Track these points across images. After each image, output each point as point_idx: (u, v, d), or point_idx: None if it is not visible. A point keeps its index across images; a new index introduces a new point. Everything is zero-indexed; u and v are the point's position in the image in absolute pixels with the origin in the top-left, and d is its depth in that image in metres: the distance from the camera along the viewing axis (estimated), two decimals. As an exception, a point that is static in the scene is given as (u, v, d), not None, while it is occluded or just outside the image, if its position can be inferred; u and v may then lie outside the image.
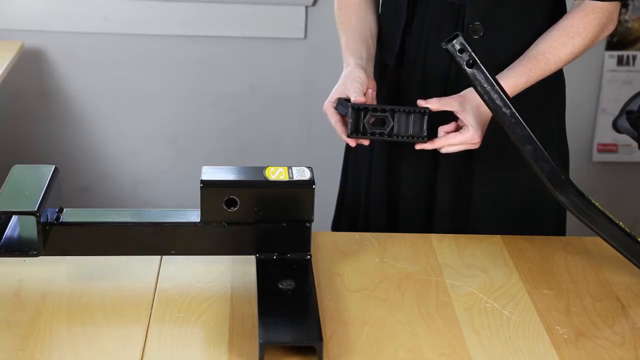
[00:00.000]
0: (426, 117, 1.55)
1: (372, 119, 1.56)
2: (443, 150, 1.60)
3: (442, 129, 1.60)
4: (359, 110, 1.55)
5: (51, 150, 2.97)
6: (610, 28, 1.67)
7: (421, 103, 1.57)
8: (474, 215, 1.80)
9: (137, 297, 1.42)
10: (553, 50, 1.64)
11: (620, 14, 2.94)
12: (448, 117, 1.61)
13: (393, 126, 1.55)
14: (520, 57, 1.65)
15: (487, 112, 1.58)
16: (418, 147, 1.59)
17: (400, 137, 1.56)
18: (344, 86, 1.64)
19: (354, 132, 1.55)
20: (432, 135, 1.59)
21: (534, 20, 1.70)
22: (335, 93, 1.64)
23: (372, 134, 1.55)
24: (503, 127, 1.47)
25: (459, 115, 1.59)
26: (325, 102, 1.65)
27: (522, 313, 1.43)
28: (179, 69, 2.93)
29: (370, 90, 1.63)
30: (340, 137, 1.61)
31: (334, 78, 2.83)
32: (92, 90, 2.93)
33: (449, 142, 1.58)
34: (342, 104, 1.61)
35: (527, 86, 1.64)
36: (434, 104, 1.57)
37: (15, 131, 2.95)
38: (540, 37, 1.67)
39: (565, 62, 1.66)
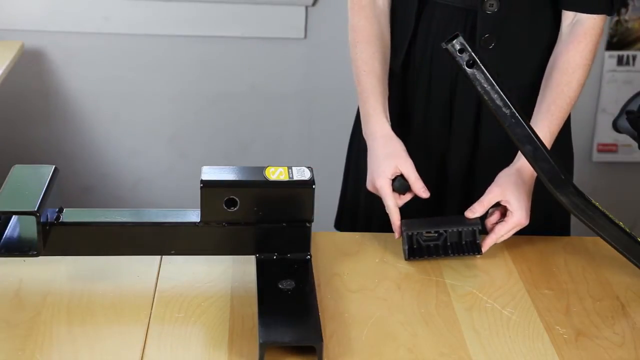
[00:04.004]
0: (477, 231, 1.58)
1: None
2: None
3: (488, 222, 1.60)
4: (412, 235, 1.57)
5: (51, 150, 2.96)
6: (600, 38, 1.66)
7: (469, 215, 1.58)
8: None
9: (137, 297, 1.42)
10: (561, 94, 1.63)
11: (619, 13, 2.94)
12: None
13: (446, 238, 1.58)
14: (535, 115, 1.64)
15: (524, 186, 1.59)
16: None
17: (455, 254, 1.57)
18: (392, 162, 1.61)
19: (411, 256, 1.57)
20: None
21: (544, 30, 1.69)
22: (385, 169, 1.60)
23: (429, 253, 1.57)
24: (503, 127, 1.47)
25: (503, 204, 1.59)
26: (380, 181, 1.60)
27: (522, 313, 1.43)
28: (179, 69, 2.93)
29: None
30: (392, 223, 1.59)
31: (334, 78, 2.85)
32: (92, 90, 2.92)
33: (498, 236, 1.59)
34: (401, 182, 1.61)
35: (554, 137, 1.64)
36: (480, 210, 1.58)
37: (15, 131, 2.95)
38: (543, 83, 1.65)
39: (577, 96, 1.64)
